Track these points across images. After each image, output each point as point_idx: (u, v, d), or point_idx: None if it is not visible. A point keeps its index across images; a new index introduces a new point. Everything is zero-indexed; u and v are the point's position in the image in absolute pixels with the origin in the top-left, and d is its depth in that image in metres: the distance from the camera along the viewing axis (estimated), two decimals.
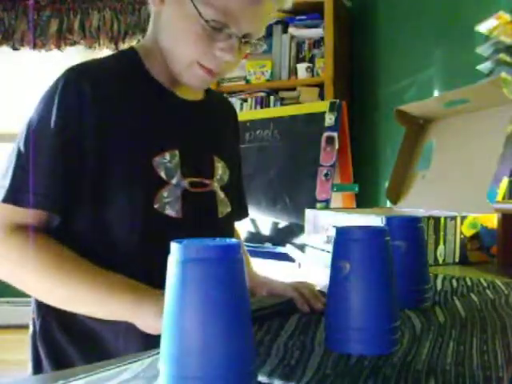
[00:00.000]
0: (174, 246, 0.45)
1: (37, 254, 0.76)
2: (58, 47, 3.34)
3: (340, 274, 0.57)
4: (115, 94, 0.83)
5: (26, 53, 3.39)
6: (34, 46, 3.34)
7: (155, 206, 0.82)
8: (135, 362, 0.55)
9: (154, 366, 0.53)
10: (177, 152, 0.85)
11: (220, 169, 0.94)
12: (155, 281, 0.78)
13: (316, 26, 2.79)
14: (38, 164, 0.77)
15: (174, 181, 0.84)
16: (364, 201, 2.37)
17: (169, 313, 0.45)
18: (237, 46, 0.81)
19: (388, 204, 1.65)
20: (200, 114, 0.95)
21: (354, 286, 0.56)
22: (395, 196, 1.59)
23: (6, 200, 0.76)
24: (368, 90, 2.88)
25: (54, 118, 0.78)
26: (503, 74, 1.26)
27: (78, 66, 0.84)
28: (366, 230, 0.59)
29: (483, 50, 1.62)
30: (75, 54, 3.40)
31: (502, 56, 1.54)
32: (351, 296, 0.56)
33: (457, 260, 1.15)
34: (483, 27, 1.59)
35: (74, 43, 3.34)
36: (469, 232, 1.16)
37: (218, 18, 0.79)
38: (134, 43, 3.34)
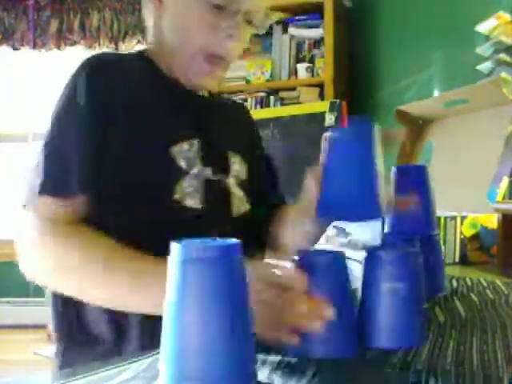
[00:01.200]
0: (174, 246, 0.45)
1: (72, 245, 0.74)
2: (58, 47, 3.34)
3: None
4: (133, 84, 0.84)
5: (26, 53, 3.39)
6: (34, 46, 3.33)
7: (175, 197, 0.81)
8: (135, 361, 0.55)
9: (154, 366, 0.53)
10: (195, 141, 0.84)
11: (237, 164, 0.92)
12: None
13: (316, 26, 2.79)
14: (68, 151, 0.76)
15: (194, 170, 0.83)
16: None
17: (169, 312, 0.45)
18: (240, 23, 0.82)
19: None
20: (212, 110, 0.94)
21: None
22: None
23: (44, 192, 0.75)
24: (368, 90, 2.87)
25: (80, 104, 0.78)
26: (503, 74, 1.27)
27: (100, 54, 0.85)
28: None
29: (483, 50, 1.62)
30: (75, 54, 3.40)
31: (502, 56, 1.54)
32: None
33: (457, 260, 1.15)
34: (483, 27, 1.59)
35: (74, 43, 3.34)
36: (469, 232, 1.16)
37: None
38: (134, 43, 3.34)
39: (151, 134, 0.82)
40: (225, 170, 0.89)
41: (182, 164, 0.81)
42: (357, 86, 2.95)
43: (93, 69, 0.80)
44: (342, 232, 1.36)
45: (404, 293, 0.59)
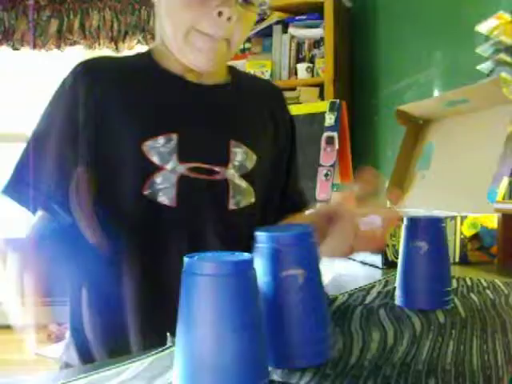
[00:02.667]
0: (186, 261, 0.45)
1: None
2: (58, 47, 3.34)
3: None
4: (115, 85, 0.84)
5: (26, 53, 3.39)
6: (34, 46, 3.33)
7: (145, 193, 0.79)
8: (135, 361, 0.55)
9: (154, 365, 0.53)
10: (174, 136, 0.81)
11: (239, 155, 0.86)
12: (148, 268, 0.79)
13: (316, 26, 2.79)
14: (38, 164, 0.80)
15: (168, 166, 0.80)
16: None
17: (182, 329, 0.45)
18: (233, 2, 0.77)
19: (388, 204, 1.65)
20: (218, 98, 0.89)
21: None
22: None
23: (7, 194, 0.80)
24: (368, 89, 2.87)
25: (55, 116, 0.83)
26: (503, 74, 1.27)
27: (89, 59, 0.86)
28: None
29: (483, 50, 1.62)
30: (75, 54, 3.40)
31: (502, 56, 1.54)
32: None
33: (457, 260, 1.15)
34: (483, 27, 1.59)
35: (73, 43, 3.34)
36: (469, 232, 1.16)
37: None
38: (134, 43, 3.34)
39: (122, 131, 0.81)
40: (224, 160, 0.85)
41: (154, 159, 0.79)
42: (357, 86, 2.95)
43: (70, 78, 0.83)
44: None
45: (427, 252, 0.72)
